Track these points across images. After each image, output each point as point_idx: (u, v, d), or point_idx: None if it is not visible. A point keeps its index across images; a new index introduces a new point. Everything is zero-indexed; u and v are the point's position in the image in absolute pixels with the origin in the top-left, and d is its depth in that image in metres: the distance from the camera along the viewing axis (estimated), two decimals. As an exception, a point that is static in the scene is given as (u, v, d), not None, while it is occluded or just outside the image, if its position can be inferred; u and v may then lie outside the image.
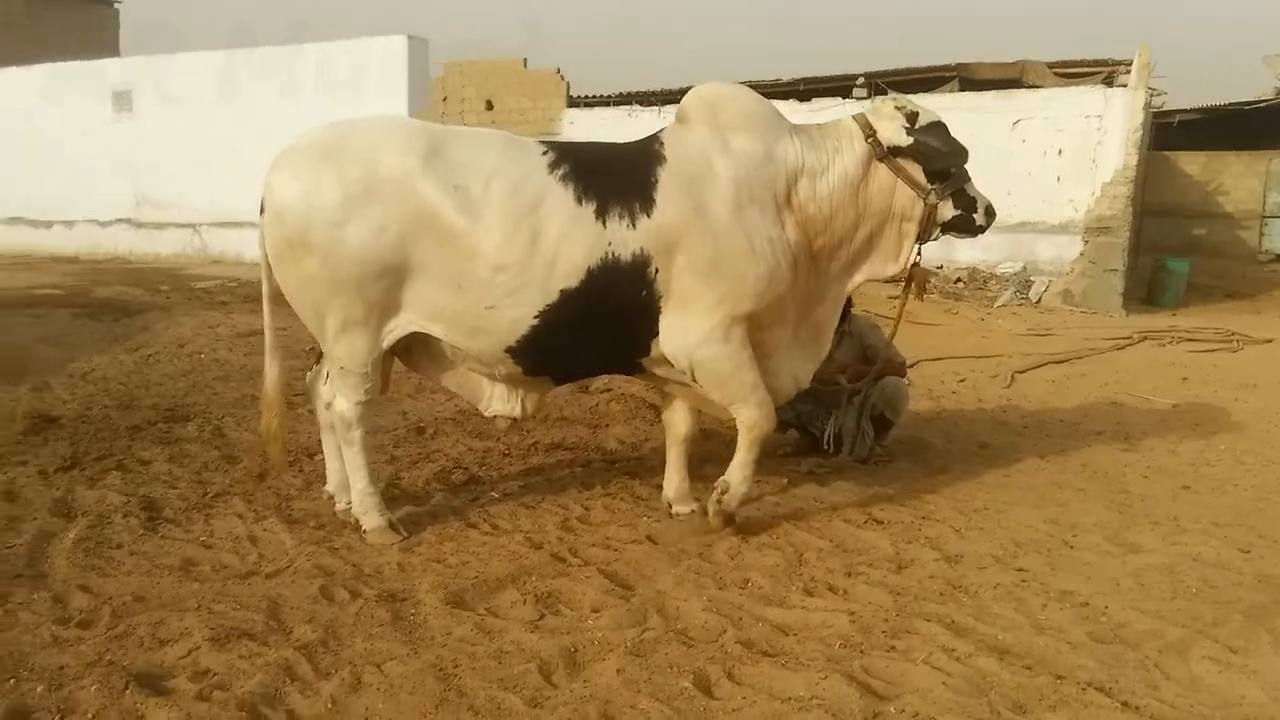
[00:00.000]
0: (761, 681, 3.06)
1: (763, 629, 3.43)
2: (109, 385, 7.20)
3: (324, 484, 4.73)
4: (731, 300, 4.02)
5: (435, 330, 4.02)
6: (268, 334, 4.32)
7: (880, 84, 15.74)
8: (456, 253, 3.84)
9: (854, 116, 4.34)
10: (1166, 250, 15.83)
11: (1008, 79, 15.36)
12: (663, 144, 4.14)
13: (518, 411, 4.32)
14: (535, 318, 3.92)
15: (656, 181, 4.00)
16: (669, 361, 4.19)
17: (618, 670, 3.09)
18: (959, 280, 14.71)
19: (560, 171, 3.94)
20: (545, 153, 4.01)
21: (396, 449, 5.85)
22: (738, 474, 4.39)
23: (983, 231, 4.43)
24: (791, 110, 14.67)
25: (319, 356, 4.38)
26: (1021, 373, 8.77)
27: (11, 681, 2.99)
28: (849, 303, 5.17)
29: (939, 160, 4.21)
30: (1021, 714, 2.91)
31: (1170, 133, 17.95)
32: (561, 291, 3.89)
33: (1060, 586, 3.83)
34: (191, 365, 8.11)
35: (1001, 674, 3.10)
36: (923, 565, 4.05)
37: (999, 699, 2.96)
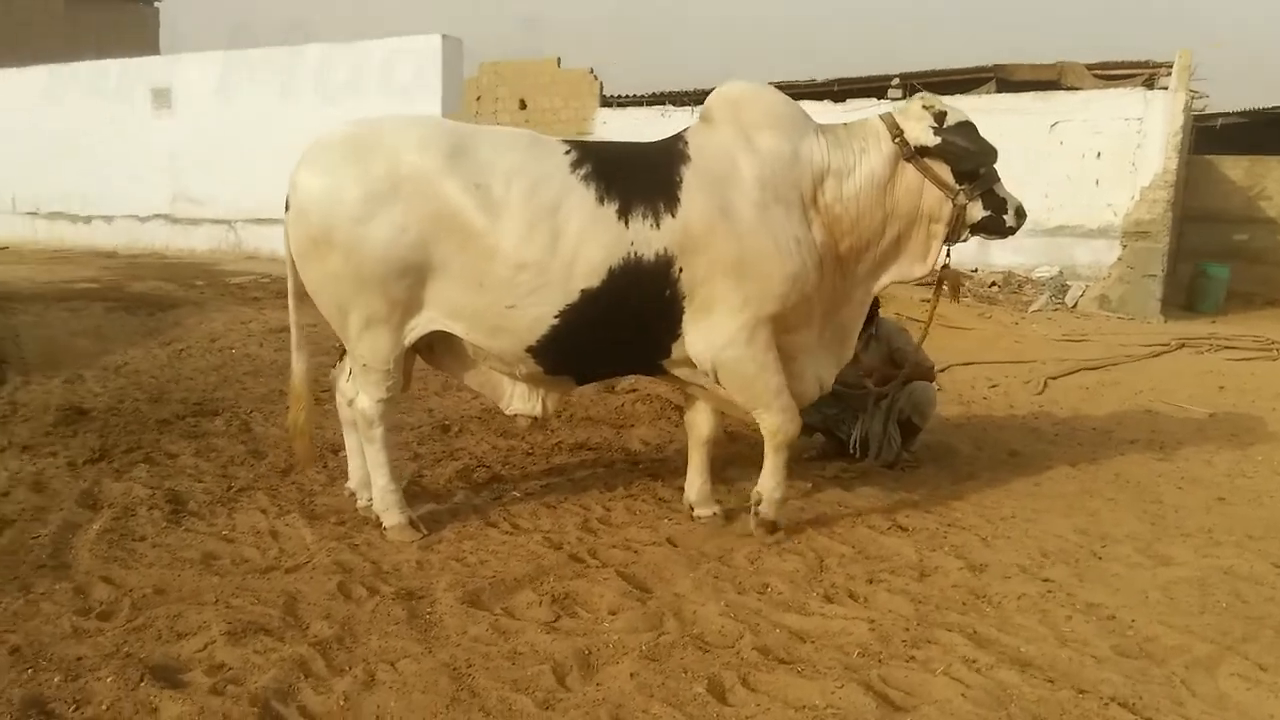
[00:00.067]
0: (777, 689, 3.02)
1: (780, 635, 3.39)
2: (140, 379, 7.29)
3: (347, 480, 4.74)
4: (757, 301, 3.98)
5: (456, 329, 4.02)
6: (294, 330, 4.34)
7: (916, 85, 15.59)
8: (478, 251, 3.83)
9: (881, 116, 4.28)
10: (1208, 256, 15.53)
11: (1046, 80, 15.16)
12: (687, 143, 4.10)
13: (538, 411, 4.31)
14: (556, 317, 3.91)
15: (681, 181, 3.97)
16: (691, 363, 4.16)
17: (631, 674, 3.07)
18: (993, 284, 14.53)
19: (582, 171, 3.92)
20: (568, 152, 3.99)
21: (421, 446, 5.86)
22: (769, 482, 4.36)
23: (1013, 233, 4.35)
24: (825, 111, 14.59)
25: (343, 353, 4.39)
26: (1055, 379, 8.63)
27: (30, 671, 3.02)
28: (876, 305, 5.11)
29: (967, 160, 4.15)
30: (1042, 728, 2.85)
31: (1212, 136, 17.62)
32: (582, 291, 3.87)
33: (1087, 598, 3.75)
34: (222, 360, 8.18)
35: (1022, 687, 3.04)
36: (946, 574, 3.99)
37: (1019, 712, 2.91)
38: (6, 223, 18.91)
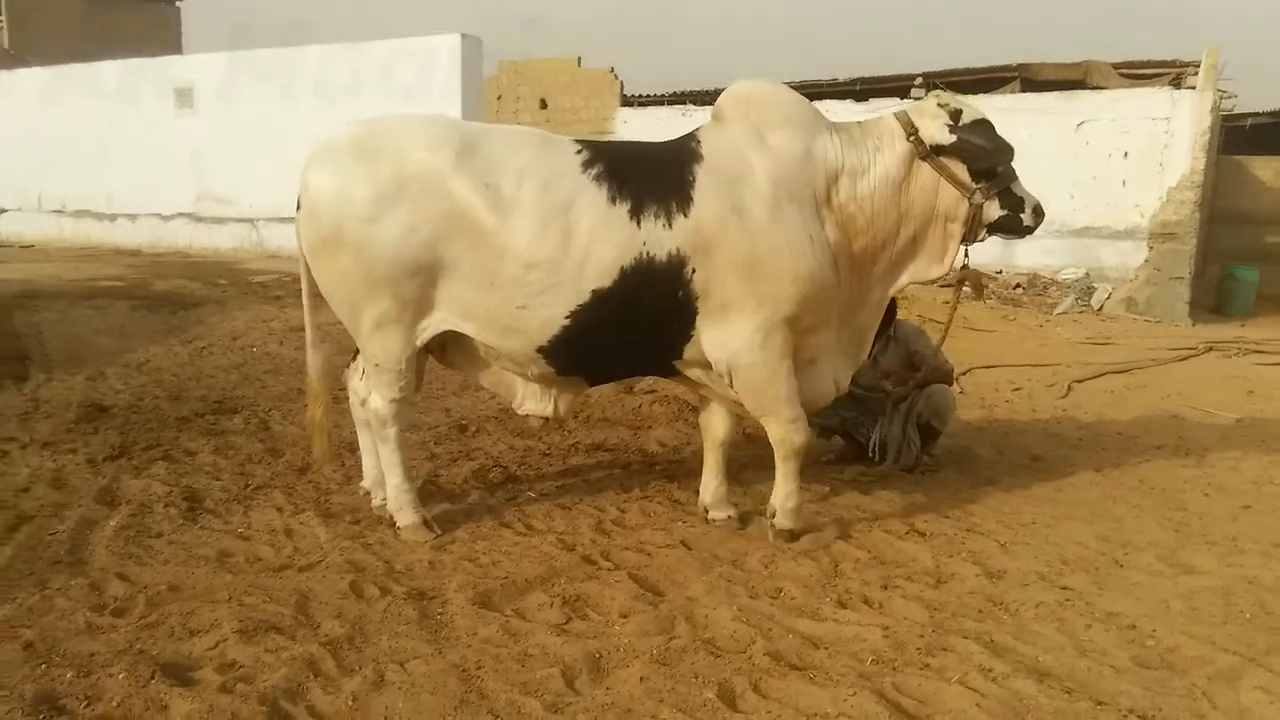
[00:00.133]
0: (788, 696, 2.98)
1: (792, 641, 3.35)
2: (161, 376, 7.34)
3: (362, 479, 4.74)
4: (771, 302, 3.95)
5: (468, 329, 4.01)
6: (308, 328, 4.35)
7: (939, 84, 15.46)
8: (488, 251, 3.82)
9: (895, 114, 4.23)
10: (1238, 258, 15.29)
11: (1071, 80, 14.98)
12: (699, 142, 4.08)
13: (550, 411, 4.29)
14: (567, 317, 3.89)
15: (693, 180, 3.94)
16: (704, 364, 4.13)
17: (641, 678, 3.04)
18: (1018, 286, 14.38)
19: (594, 171, 3.90)
20: (579, 151, 3.97)
21: (437, 446, 5.87)
22: (781, 493, 4.33)
23: (1030, 232, 4.30)
24: (848, 111, 14.50)
25: (356, 353, 4.39)
26: (1079, 382, 8.51)
27: (43, 666, 3.05)
28: (893, 306, 5.05)
29: (984, 158, 4.09)
30: (1058, 740, 2.80)
31: (1242, 136, 17.37)
32: (594, 291, 3.85)
33: (1107, 607, 3.68)
34: (243, 358, 8.24)
35: (1039, 697, 2.98)
36: (963, 580, 3.93)
37: (1035, 723, 2.85)
38: (33, 221, 19.13)
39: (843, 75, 16.26)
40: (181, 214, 17.70)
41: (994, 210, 4.17)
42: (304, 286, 4.22)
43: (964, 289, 4.52)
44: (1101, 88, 14.56)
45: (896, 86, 15.72)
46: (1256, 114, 17.55)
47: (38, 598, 3.52)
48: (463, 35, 14.89)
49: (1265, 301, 14.71)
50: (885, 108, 14.26)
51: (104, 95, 17.78)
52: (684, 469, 5.43)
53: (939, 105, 4.14)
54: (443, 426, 6.31)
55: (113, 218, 18.33)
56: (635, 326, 4.00)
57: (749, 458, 5.51)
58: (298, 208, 4.00)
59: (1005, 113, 14.08)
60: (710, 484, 4.61)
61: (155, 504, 4.52)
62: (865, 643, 3.34)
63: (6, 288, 10.99)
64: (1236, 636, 3.43)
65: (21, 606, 3.45)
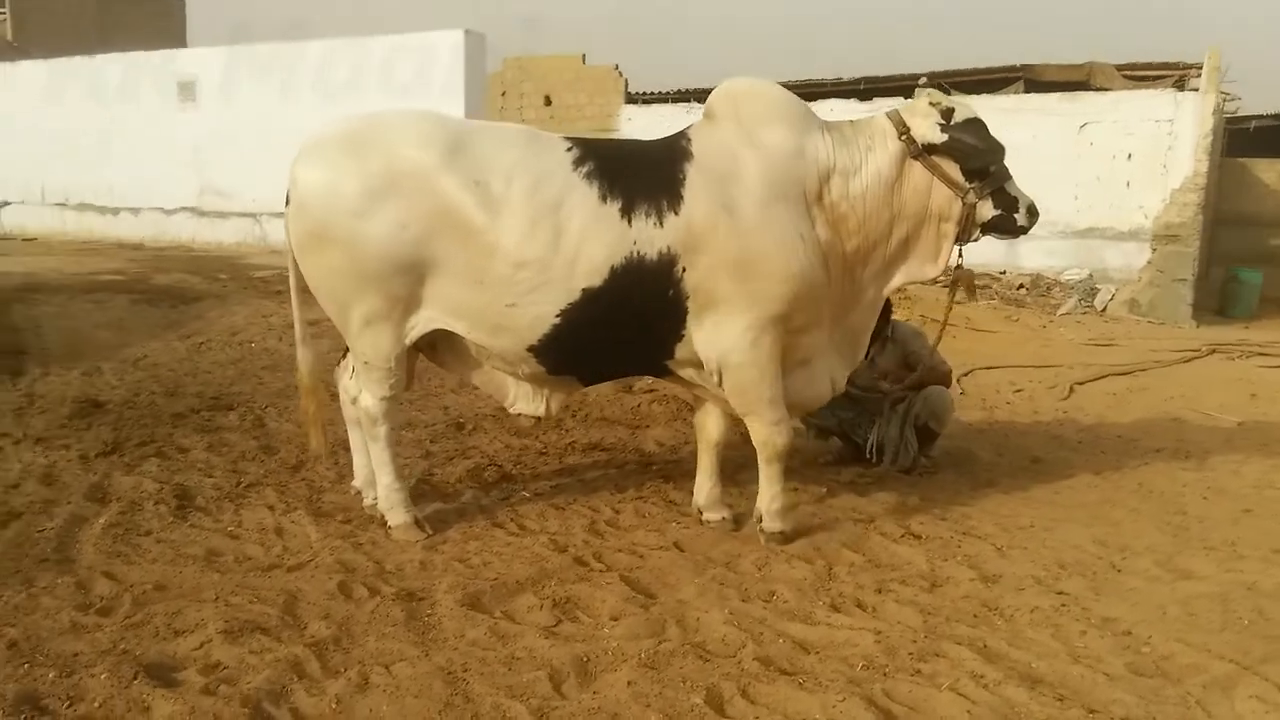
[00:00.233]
0: (776, 701, 2.95)
1: (783, 646, 3.31)
2: (158, 372, 7.32)
3: (354, 479, 4.71)
4: (762, 301, 3.91)
5: (458, 327, 3.97)
6: (297, 325, 4.32)
7: (944, 84, 15.41)
8: (477, 249, 3.79)
9: (887, 113, 4.20)
10: (1241, 260, 15.23)
11: (1075, 81, 14.93)
12: (690, 141, 4.04)
13: (543, 411, 4.26)
14: (557, 316, 3.85)
15: (683, 179, 3.90)
16: (696, 364, 4.10)
17: (629, 683, 3.00)
18: (1021, 286, 14.33)
19: (584, 169, 3.86)
20: (570, 149, 3.93)
21: (433, 444, 5.84)
22: (766, 496, 4.31)
23: (1025, 232, 4.26)
24: (851, 110, 14.44)
25: (346, 350, 4.36)
26: (1081, 384, 8.46)
27: (26, 666, 3.02)
28: (889, 307, 5.01)
29: (976, 158, 4.06)
30: (1050, 748, 2.76)
31: (1246, 139, 17.29)
32: (584, 290, 3.82)
33: (1102, 613, 3.64)
34: (241, 354, 8.21)
35: (1030, 705, 2.94)
36: (957, 584, 3.89)
37: (1026, 731, 2.82)
38: (36, 214, 19.14)
39: (845, 75, 16.20)
40: (184, 208, 17.71)
41: (987, 210, 4.13)
42: (292, 282, 4.19)
43: (958, 290, 4.47)
44: (1105, 89, 14.52)
45: (900, 86, 15.66)
46: (1260, 116, 17.45)
47: (23, 596, 3.49)
48: (466, 31, 14.87)
49: (1269, 304, 14.65)
50: (889, 108, 14.25)
51: (107, 88, 17.79)
52: (681, 469, 5.39)
53: (931, 104, 4.10)
54: (440, 424, 6.29)
55: (115, 211, 18.33)
56: (626, 325, 3.96)
57: (745, 459, 5.45)
58: (287, 203, 3.97)
59: (1009, 113, 14.04)
60: (704, 485, 4.57)
61: (145, 501, 4.49)
62: (856, 648, 3.30)
63: (6, 280, 10.97)
64: (1233, 644, 3.39)
65: (7, 605, 3.43)
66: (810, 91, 15.99)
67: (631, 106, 17.48)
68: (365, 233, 3.78)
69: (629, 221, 3.84)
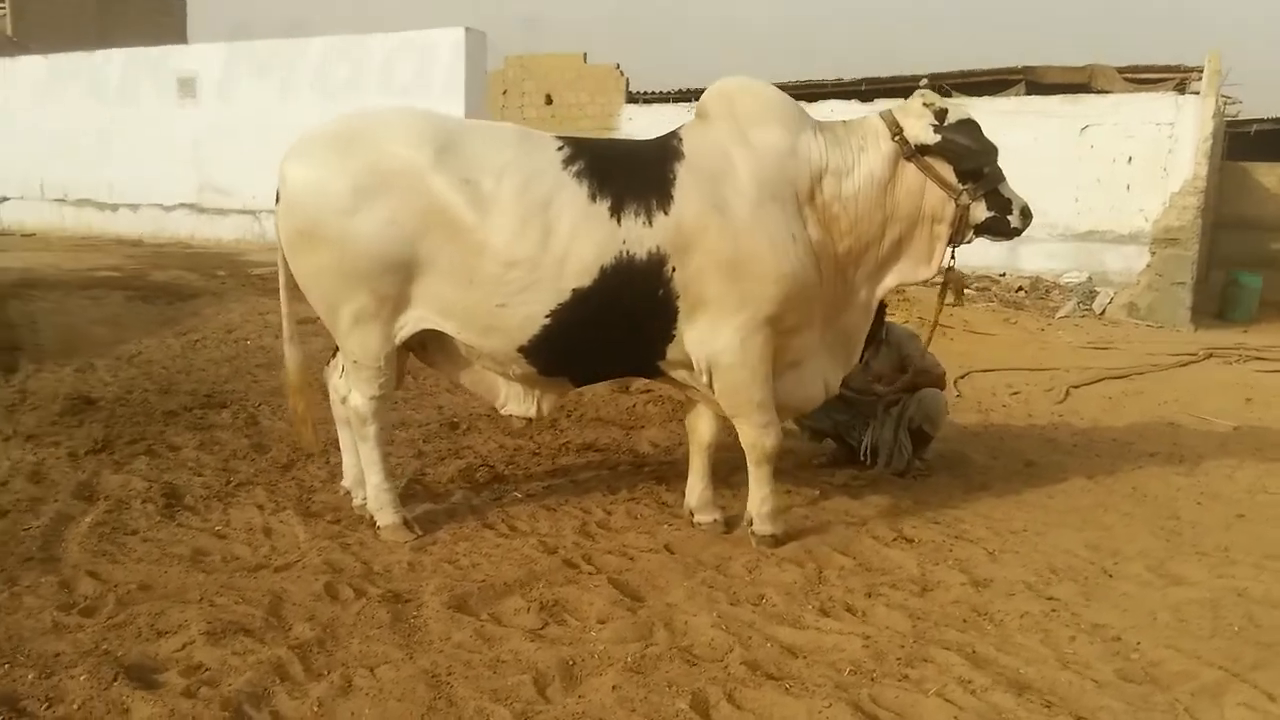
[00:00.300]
0: (762, 707, 2.93)
1: (771, 650, 3.29)
2: (152, 369, 7.29)
3: (343, 478, 4.68)
4: (754, 302, 3.89)
5: (447, 327, 3.95)
6: (285, 323, 4.30)
7: (944, 86, 15.40)
8: (466, 248, 3.77)
9: (880, 114, 4.18)
10: (1241, 264, 15.21)
11: (1075, 83, 14.91)
12: (681, 140, 4.02)
13: (534, 412, 4.23)
14: (547, 316, 3.83)
15: (674, 178, 3.88)
16: (687, 365, 4.08)
17: (613, 687, 2.98)
18: (1020, 289, 14.31)
19: (575, 168, 3.84)
20: (560, 148, 3.91)
21: (426, 444, 5.81)
22: (755, 498, 4.29)
23: (1018, 234, 4.24)
24: (852, 111, 14.40)
25: (337, 349, 4.34)
26: (1077, 387, 8.45)
27: (6, 666, 2.99)
28: (883, 309, 4.99)
29: (969, 159, 4.03)
30: (1036, 756, 2.74)
31: (1247, 142, 17.26)
32: (574, 290, 3.80)
33: (1092, 618, 3.62)
34: (236, 351, 8.18)
35: (1018, 711, 2.92)
36: (948, 589, 3.87)
37: (1013, 739, 2.79)
38: (35, 210, 19.10)
39: (845, 76, 16.18)
40: (183, 204, 17.66)
41: (981, 211, 4.11)
42: (282, 280, 4.17)
43: (947, 291, 4.45)
44: (1106, 92, 14.49)
45: (901, 87, 15.60)
46: (1261, 120, 17.42)
47: (6, 595, 3.46)
48: (466, 29, 14.83)
49: (1268, 308, 14.63)
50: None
51: (106, 84, 17.75)
52: (674, 470, 5.36)
53: (924, 105, 4.08)
54: (434, 424, 6.27)
55: (114, 207, 18.30)
56: (616, 326, 3.94)
57: (738, 461, 5.41)
58: (277, 200, 3.95)
59: (1010, 115, 14.04)
60: (696, 487, 4.55)
61: (133, 500, 4.47)
62: (844, 652, 3.28)
63: (3, 276, 10.94)
64: (1223, 650, 3.36)
65: (-11, 604, 3.41)
66: (811, 92, 15.98)
67: (632, 106, 17.48)
68: (354, 231, 3.76)
69: (618, 221, 3.81)
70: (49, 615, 3.32)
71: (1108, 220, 14.03)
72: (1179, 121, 13.28)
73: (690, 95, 16.91)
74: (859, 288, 4.24)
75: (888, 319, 5.60)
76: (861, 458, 5.57)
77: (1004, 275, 14.50)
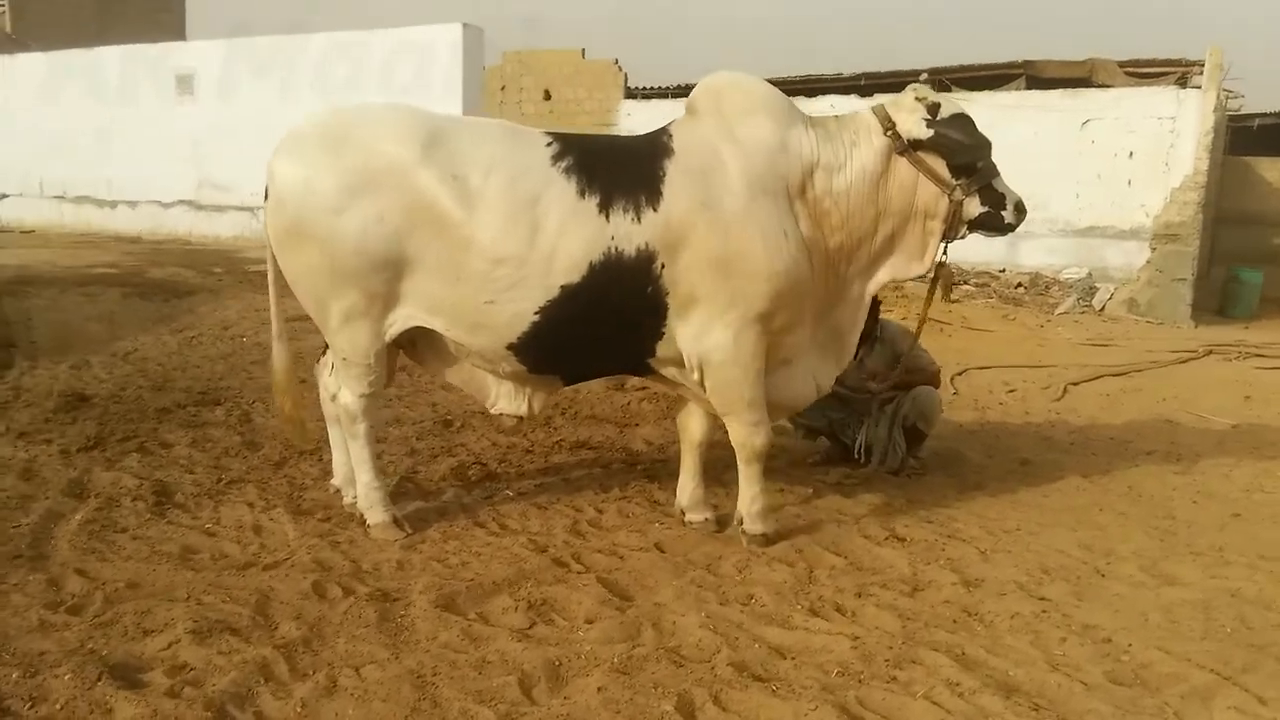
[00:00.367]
0: (748, 709, 2.91)
1: (758, 651, 3.27)
2: (147, 366, 7.29)
3: (333, 477, 4.67)
4: (745, 299, 3.87)
5: (436, 325, 3.93)
6: (274, 321, 4.29)
7: (945, 80, 15.33)
8: (454, 245, 3.74)
9: (873, 108, 4.15)
10: (1243, 259, 15.16)
11: (1076, 78, 14.84)
12: (671, 136, 4.00)
13: (524, 410, 4.21)
14: (535, 313, 3.81)
15: (663, 174, 3.86)
16: (678, 362, 4.06)
17: (599, 688, 2.96)
18: (1020, 285, 14.27)
19: (563, 164, 3.82)
20: (549, 144, 3.89)
21: (419, 441, 5.80)
22: (745, 497, 4.27)
23: (1012, 229, 4.21)
24: (852, 107, 14.34)
25: (326, 347, 4.32)
26: (1075, 385, 8.41)
27: (-10, 666, 2.98)
28: (877, 306, 4.97)
29: (962, 154, 4.01)
30: (1023, 759, 2.72)
31: (1249, 137, 17.20)
32: (562, 287, 3.77)
33: (1083, 619, 3.60)
34: (232, 348, 8.18)
35: (1005, 714, 2.90)
36: (939, 589, 3.85)
37: (1000, 741, 2.78)
38: (34, 207, 19.11)
39: (845, 71, 16.12)
40: (182, 201, 17.67)
41: (974, 207, 4.08)
42: (270, 277, 4.16)
43: (936, 286, 4.43)
44: (1107, 86, 14.42)
45: (900, 82, 15.53)
46: (1264, 115, 17.37)
47: (-7, 593, 3.46)
48: (464, 25, 14.81)
49: (1269, 304, 14.58)
50: (888, 103, 14.16)
51: (105, 82, 17.76)
52: (667, 469, 5.35)
53: (916, 99, 4.05)
54: (427, 421, 6.25)
55: (113, 204, 18.31)
56: (606, 323, 3.92)
57: (731, 459, 5.41)
58: (265, 198, 3.93)
59: (1010, 110, 13.98)
60: (687, 486, 4.53)
61: (124, 498, 4.46)
62: (833, 654, 3.26)
63: (0, 273, 10.95)
64: (1214, 653, 3.34)
65: (-24, 603, 3.40)
66: (810, 87, 15.93)
67: (631, 101, 17.43)
68: (342, 228, 3.74)
69: (607, 217, 3.79)
70: (35, 613, 3.31)
71: (1108, 215, 13.96)
72: (1180, 116, 13.21)
73: (688, 91, 16.79)
74: (851, 284, 4.22)
75: (883, 316, 5.59)
76: (856, 456, 5.55)
77: (1004, 271, 14.46)
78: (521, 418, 4.26)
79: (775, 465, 5.32)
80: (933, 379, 5.56)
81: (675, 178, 3.85)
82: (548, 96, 18.34)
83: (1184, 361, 9.92)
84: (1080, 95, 14.09)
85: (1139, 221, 13.72)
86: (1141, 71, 14.44)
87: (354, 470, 4.27)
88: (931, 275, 4.30)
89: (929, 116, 3.99)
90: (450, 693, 2.94)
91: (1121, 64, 14.67)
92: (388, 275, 3.82)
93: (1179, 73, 13.87)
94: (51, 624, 3.26)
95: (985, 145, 4.08)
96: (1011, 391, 8.08)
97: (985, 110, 13.56)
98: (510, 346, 3.91)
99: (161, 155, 17.26)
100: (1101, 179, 13.86)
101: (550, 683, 3.03)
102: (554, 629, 3.41)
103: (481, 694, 2.95)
